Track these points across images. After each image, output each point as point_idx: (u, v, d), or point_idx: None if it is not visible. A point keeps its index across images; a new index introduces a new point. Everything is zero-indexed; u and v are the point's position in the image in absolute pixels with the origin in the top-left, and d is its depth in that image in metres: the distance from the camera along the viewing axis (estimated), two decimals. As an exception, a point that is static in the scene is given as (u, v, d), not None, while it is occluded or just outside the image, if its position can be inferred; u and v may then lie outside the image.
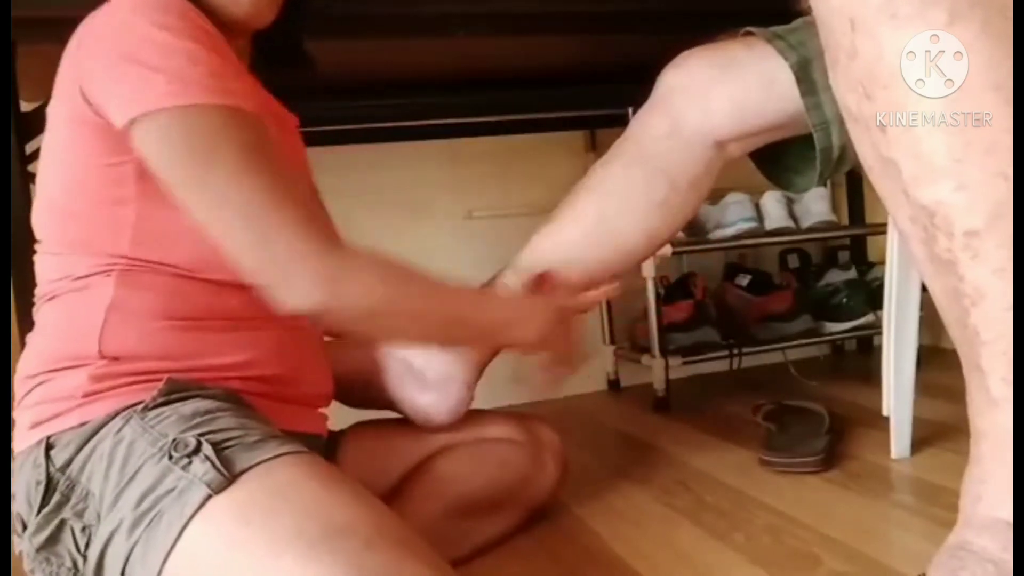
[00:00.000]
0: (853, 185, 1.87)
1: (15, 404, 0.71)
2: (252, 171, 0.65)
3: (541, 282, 0.88)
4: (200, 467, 0.60)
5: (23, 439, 0.68)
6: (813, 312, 1.65)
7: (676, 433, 1.39)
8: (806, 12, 0.73)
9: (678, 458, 1.23)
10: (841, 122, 0.76)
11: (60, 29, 0.74)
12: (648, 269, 1.50)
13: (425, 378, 0.92)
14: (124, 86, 0.64)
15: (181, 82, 0.63)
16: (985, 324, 0.54)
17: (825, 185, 1.82)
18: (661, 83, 0.90)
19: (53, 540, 0.63)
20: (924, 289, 0.67)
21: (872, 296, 1.62)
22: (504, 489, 0.94)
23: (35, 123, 1.05)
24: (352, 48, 1.23)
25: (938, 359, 1.42)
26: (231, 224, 0.64)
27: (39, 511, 0.64)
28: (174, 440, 0.62)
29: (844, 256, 1.86)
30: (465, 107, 1.54)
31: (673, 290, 1.67)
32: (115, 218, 0.69)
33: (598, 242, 0.89)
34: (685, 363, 1.56)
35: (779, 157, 0.93)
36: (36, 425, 0.67)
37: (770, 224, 1.64)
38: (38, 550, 0.63)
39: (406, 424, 0.96)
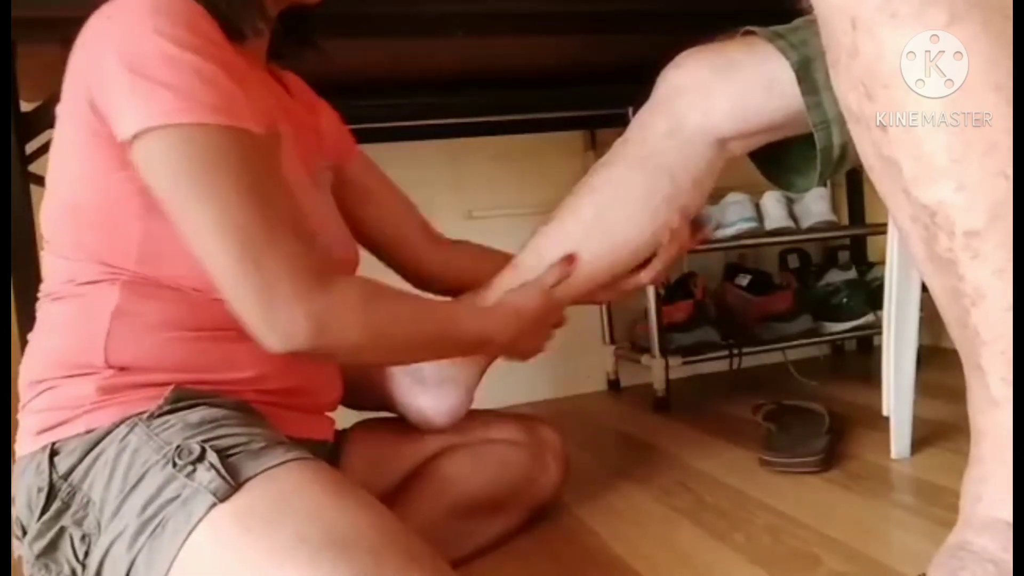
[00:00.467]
0: (853, 185, 1.87)
1: (20, 407, 0.70)
2: (250, 199, 0.63)
3: (569, 261, 0.88)
4: (205, 475, 0.59)
5: (28, 444, 0.67)
6: (813, 312, 1.65)
7: (676, 433, 1.39)
8: (806, 11, 0.73)
9: (678, 458, 1.23)
10: (842, 121, 0.76)
11: (60, 29, 0.74)
12: (648, 269, 1.50)
13: (425, 380, 0.92)
14: (130, 98, 0.62)
15: (188, 99, 0.62)
16: (985, 324, 0.54)
17: (825, 185, 1.82)
18: (662, 83, 0.90)
19: (52, 547, 0.63)
20: (924, 289, 0.67)
21: (872, 296, 1.62)
22: (506, 490, 0.94)
23: (35, 123, 1.05)
24: (352, 48, 1.23)
25: (938, 359, 1.42)
26: (221, 253, 0.63)
27: (40, 517, 0.63)
28: (178, 447, 0.61)
29: (844, 256, 1.86)
30: (465, 107, 1.54)
31: (673, 290, 1.67)
32: (122, 233, 0.68)
33: (601, 241, 0.89)
34: (685, 363, 1.56)
35: (779, 157, 0.93)
36: (42, 431, 0.66)
37: (770, 224, 1.64)
38: (37, 556, 0.63)
39: (408, 425, 0.97)
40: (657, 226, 0.89)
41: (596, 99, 1.57)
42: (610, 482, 1.14)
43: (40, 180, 1.13)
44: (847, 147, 0.81)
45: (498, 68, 1.41)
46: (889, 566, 0.79)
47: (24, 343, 0.74)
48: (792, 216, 1.67)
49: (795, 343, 1.66)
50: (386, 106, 1.48)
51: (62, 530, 0.63)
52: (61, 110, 0.70)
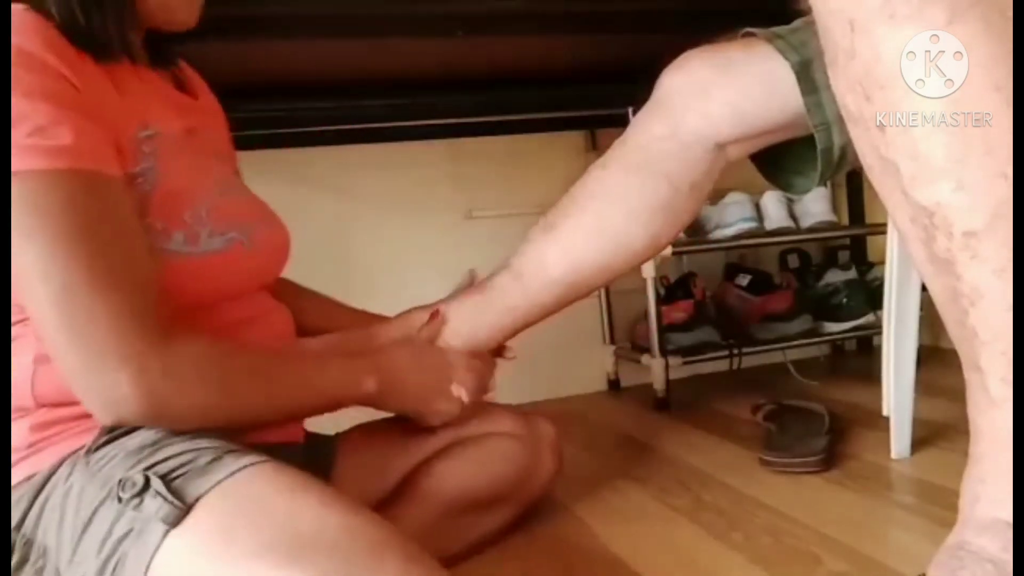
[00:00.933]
0: (853, 185, 1.87)
1: None
2: (78, 247, 0.59)
3: (435, 316, 0.89)
4: (152, 503, 0.56)
5: None
6: (813, 312, 1.65)
7: (676, 433, 1.39)
8: (805, 12, 0.73)
9: (678, 458, 1.23)
10: (842, 122, 0.76)
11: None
12: (648, 269, 1.50)
13: None
14: None
15: (22, 145, 0.58)
16: (984, 324, 0.54)
17: (825, 185, 1.82)
18: (661, 85, 0.90)
19: None
20: (924, 289, 0.67)
21: (872, 296, 1.63)
22: (503, 483, 0.94)
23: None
24: (352, 48, 1.24)
25: (938, 359, 1.42)
26: (45, 305, 0.59)
27: None
28: (120, 481, 0.58)
29: (844, 256, 1.86)
30: (465, 107, 1.55)
31: (673, 290, 1.67)
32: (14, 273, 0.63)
33: (600, 246, 0.89)
34: (685, 363, 1.56)
35: (780, 158, 0.93)
36: None
37: (770, 224, 1.65)
38: None
39: (405, 425, 0.96)
40: (653, 232, 0.89)
41: (596, 99, 1.57)
42: (610, 482, 1.14)
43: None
44: (847, 148, 0.81)
45: (498, 68, 1.41)
46: (889, 566, 0.80)
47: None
48: (792, 216, 1.67)
49: (795, 343, 1.66)
50: (386, 106, 1.48)
51: None
52: None
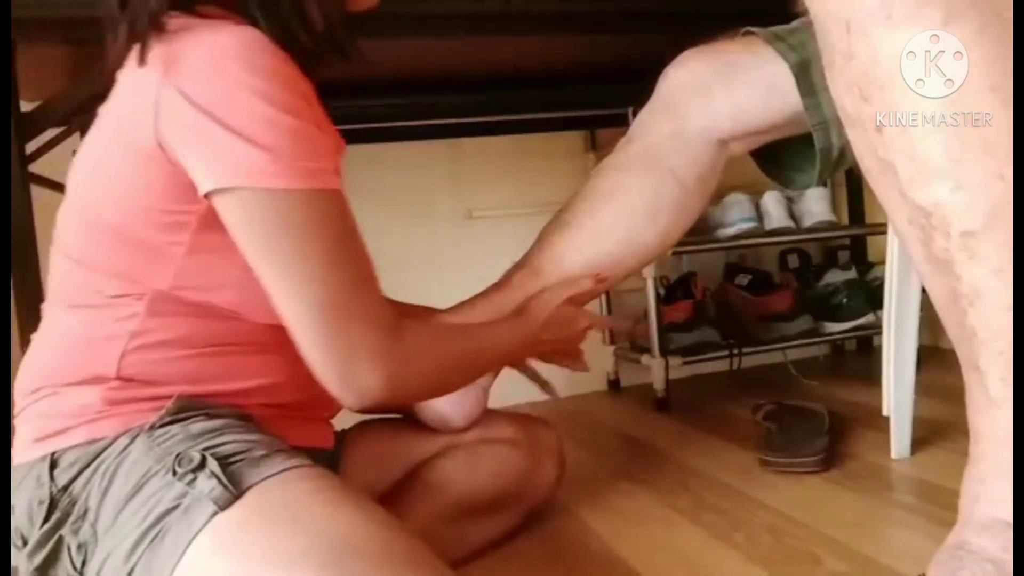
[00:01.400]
0: (853, 185, 1.87)
1: (16, 412, 0.69)
2: (334, 265, 0.65)
3: (600, 280, 0.92)
4: (206, 483, 0.58)
5: (26, 451, 0.66)
6: (813, 312, 1.65)
7: (676, 433, 1.39)
8: (803, 13, 0.73)
9: (678, 458, 1.23)
10: (840, 122, 0.76)
11: (60, 29, 0.74)
12: (648, 269, 1.50)
13: None
14: (221, 153, 0.61)
15: (281, 163, 0.62)
16: (983, 324, 0.54)
17: (825, 185, 1.82)
18: (663, 83, 0.90)
19: (51, 559, 0.62)
20: (924, 289, 0.67)
21: (872, 296, 1.62)
22: (503, 490, 0.94)
23: (35, 123, 1.05)
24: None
25: (938, 359, 1.42)
26: (304, 319, 0.65)
27: (40, 528, 0.62)
28: (178, 455, 0.61)
29: (844, 256, 1.86)
30: (465, 107, 1.54)
31: (673, 290, 1.67)
32: (161, 256, 0.67)
33: (613, 243, 0.91)
34: (685, 363, 1.56)
35: (779, 155, 0.93)
36: (41, 439, 0.66)
37: (770, 224, 1.64)
38: (36, 568, 0.62)
39: (406, 425, 0.96)
40: (664, 228, 0.90)
41: (596, 99, 1.57)
42: (610, 482, 1.14)
43: (40, 180, 1.13)
44: (846, 147, 0.81)
45: (498, 68, 1.41)
46: (888, 566, 0.80)
47: (24, 341, 0.73)
48: (792, 216, 1.67)
49: (795, 343, 1.65)
50: (386, 106, 1.48)
51: (60, 540, 0.62)
52: (110, 129, 0.68)
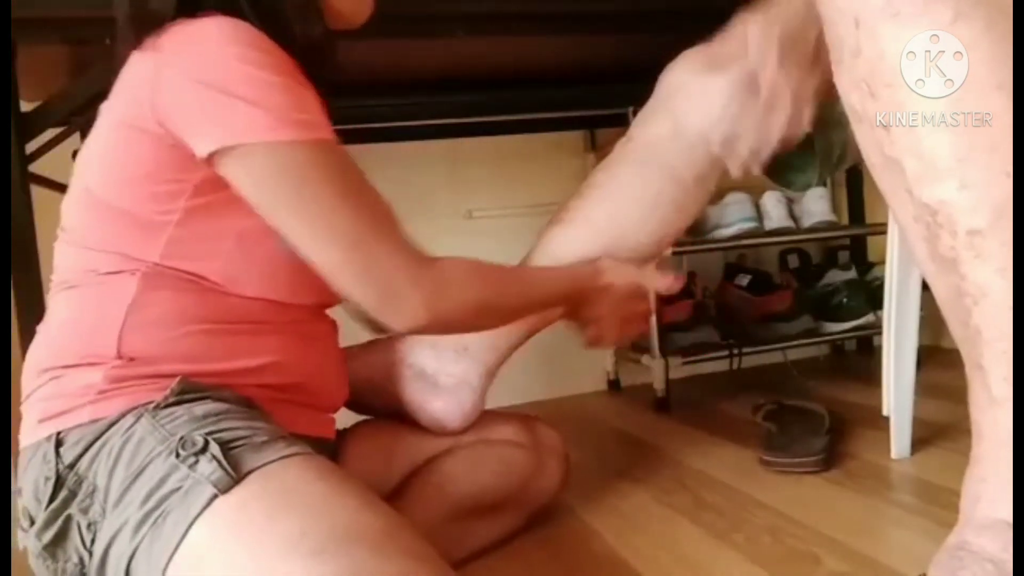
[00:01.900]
0: (853, 185, 1.87)
1: (24, 397, 0.70)
2: (351, 204, 0.69)
3: (677, 282, 0.92)
4: (207, 466, 0.59)
5: (31, 433, 0.67)
6: (813, 312, 1.65)
7: (676, 433, 1.39)
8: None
9: (678, 458, 1.23)
10: (841, 121, 0.76)
11: (60, 29, 0.74)
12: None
13: (438, 384, 0.92)
14: (222, 117, 0.65)
15: (278, 118, 0.65)
16: (987, 323, 0.54)
17: (825, 185, 1.82)
18: (662, 83, 0.90)
19: (61, 536, 0.63)
20: (924, 289, 0.67)
21: (872, 296, 1.62)
22: (506, 491, 0.94)
23: (35, 123, 1.05)
24: (352, 48, 1.23)
25: (938, 359, 1.42)
26: (336, 259, 0.69)
27: (47, 506, 0.63)
28: (182, 438, 0.62)
29: (844, 256, 1.86)
30: (465, 107, 1.55)
31: (673, 290, 1.67)
32: (153, 227, 0.69)
33: (608, 239, 0.90)
34: (685, 363, 1.56)
35: (779, 156, 0.93)
36: (45, 419, 0.67)
37: (770, 224, 1.64)
38: (45, 546, 0.63)
39: (408, 425, 0.96)
40: (663, 230, 0.90)
41: (596, 99, 1.57)
42: (610, 482, 1.14)
43: (40, 180, 1.13)
44: (846, 147, 0.81)
45: (498, 68, 1.41)
46: (889, 566, 0.80)
47: (24, 340, 0.74)
48: (792, 216, 1.67)
49: (795, 343, 1.66)
50: (386, 106, 1.48)
51: (69, 518, 0.63)
52: (111, 114, 0.71)
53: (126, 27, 0.73)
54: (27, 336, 0.74)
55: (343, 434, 0.93)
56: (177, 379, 0.67)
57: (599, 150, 1.76)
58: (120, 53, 0.72)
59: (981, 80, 0.51)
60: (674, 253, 1.52)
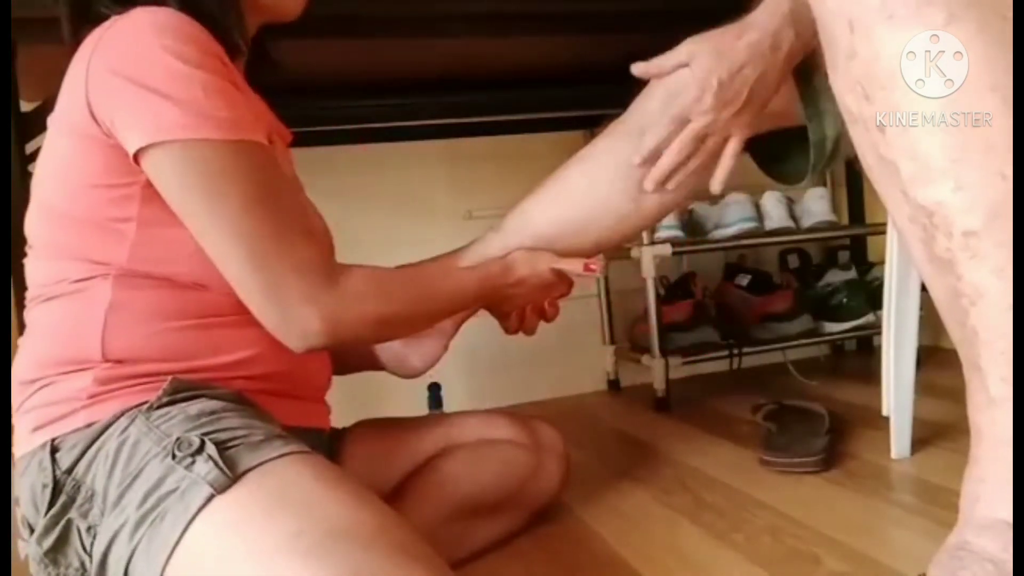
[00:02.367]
0: (853, 185, 1.87)
1: (13, 409, 0.70)
2: (258, 209, 0.66)
3: (590, 267, 0.88)
4: (203, 467, 0.60)
5: (25, 443, 0.67)
6: (813, 312, 1.65)
7: (676, 433, 1.39)
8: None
9: (678, 458, 1.23)
10: (835, 114, 0.76)
11: (60, 29, 0.74)
12: (648, 269, 1.50)
13: None
14: (139, 113, 0.64)
15: (196, 115, 0.64)
16: (984, 324, 0.54)
17: (825, 184, 1.82)
18: None
19: (62, 541, 0.63)
20: (924, 289, 0.67)
21: (872, 296, 1.62)
22: (506, 490, 0.94)
23: (35, 123, 1.05)
24: (353, 48, 1.23)
25: (938, 359, 1.42)
26: (236, 263, 0.67)
27: (46, 513, 0.64)
28: (178, 439, 0.62)
29: (844, 256, 1.86)
30: (465, 107, 1.54)
31: (673, 290, 1.67)
32: (114, 233, 0.69)
33: (583, 202, 0.89)
34: (685, 363, 1.56)
35: (774, 150, 0.93)
36: (39, 428, 0.67)
37: (770, 224, 1.65)
38: (46, 552, 0.63)
39: (409, 424, 0.97)
40: (640, 196, 0.89)
41: (596, 99, 1.57)
42: (610, 482, 1.14)
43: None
44: (840, 140, 0.81)
45: (498, 68, 1.41)
46: (889, 566, 0.80)
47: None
48: (792, 216, 1.67)
49: (795, 343, 1.66)
50: (386, 106, 1.48)
51: (69, 523, 0.63)
52: (56, 120, 0.70)
53: (65, 25, 0.73)
54: (18, 343, 0.74)
55: (343, 434, 0.93)
56: (169, 379, 0.67)
57: (599, 150, 1.75)
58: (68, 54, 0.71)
59: (975, 81, 0.51)
60: (674, 253, 1.52)
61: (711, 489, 1.07)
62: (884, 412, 1.11)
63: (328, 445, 0.88)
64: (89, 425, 0.65)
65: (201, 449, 0.61)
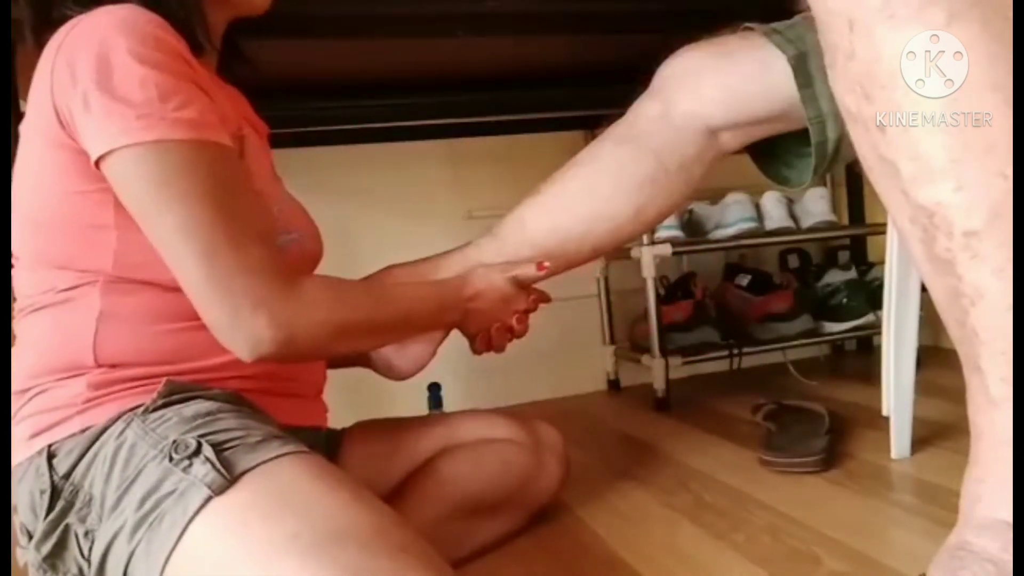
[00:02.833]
0: (853, 185, 1.87)
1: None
2: (212, 211, 0.64)
3: (541, 267, 0.88)
4: (201, 468, 0.60)
5: (22, 450, 0.67)
6: (813, 312, 1.65)
7: (676, 433, 1.39)
8: (804, 10, 0.73)
9: (678, 458, 1.23)
10: (836, 116, 0.76)
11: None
12: (648, 269, 1.50)
13: None
14: (97, 118, 0.63)
15: (150, 117, 0.62)
16: (984, 324, 0.54)
17: (825, 185, 1.82)
18: (659, 72, 0.90)
19: (60, 547, 0.63)
20: (924, 289, 0.67)
21: (872, 296, 1.63)
22: (506, 490, 0.94)
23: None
24: (353, 48, 1.23)
25: (938, 359, 1.42)
26: (188, 265, 0.64)
27: (45, 518, 0.63)
28: (175, 442, 0.62)
29: (844, 256, 1.86)
30: (465, 107, 1.54)
31: (673, 290, 1.67)
32: (96, 241, 0.68)
33: (581, 211, 0.90)
34: (685, 363, 1.56)
35: (775, 152, 0.93)
36: (36, 435, 0.67)
37: (770, 224, 1.65)
38: (44, 558, 0.63)
39: (408, 424, 0.97)
40: (637, 206, 0.89)
41: (596, 99, 1.57)
42: (610, 482, 1.14)
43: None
44: (841, 142, 0.81)
45: (498, 68, 1.41)
46: (889, 566, 0.80)
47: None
48: (792, 216, 1.67)
49: (795, 343, 1.65)
50: (386, 106, 1.48)
51: (67, 528, 0.63)
52: (27, 126, 0.70)
53: (28, 29, 0.72)
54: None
55: (343, 434, 0.93)
56: (163, 381, 0.67)
57: (599, 150, 1.75)
58: (28, 58, 0.70)
59: (976, 81, 0.51)
60: (674, 253, 1.52)
61: (711, 489, 1.07)
62: (884, 412, 1.11)
63: (326, 444, 0.88)
64: (85, 430, 0.65)
65: (198, 451, 0.61)
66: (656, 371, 1.54)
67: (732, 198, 1.64)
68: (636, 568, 0.86)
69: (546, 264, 0.88)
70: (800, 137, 0.85)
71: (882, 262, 1.15)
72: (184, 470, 0.60)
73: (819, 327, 1.66)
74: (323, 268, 1.13)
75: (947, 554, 0.57)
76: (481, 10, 1.13)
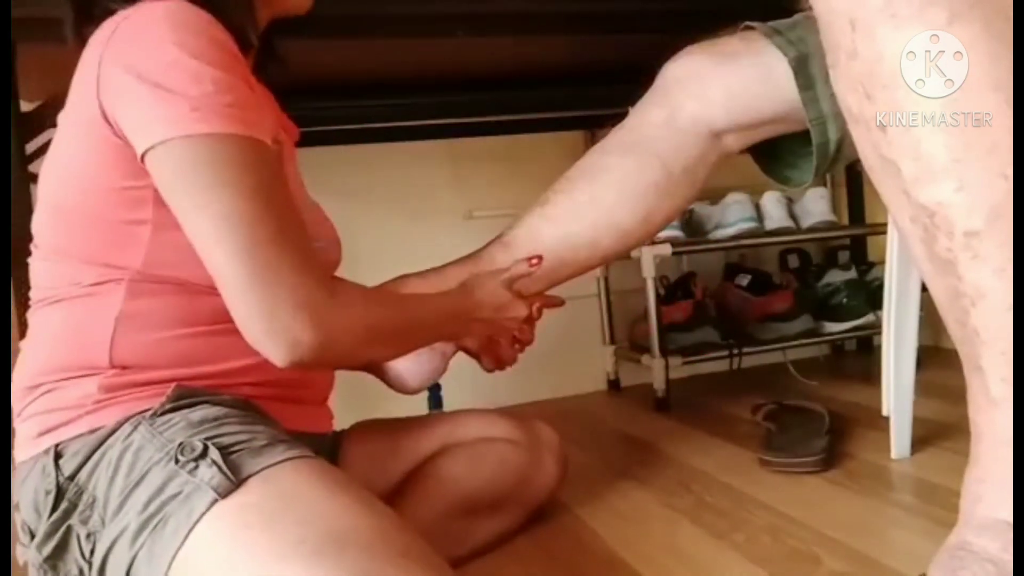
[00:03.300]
0: (853, 185, 1.87)
1: (15, 414, 0.70)
2: (256, 208, 0.63)
3: (532, 260, 0.89)
4: (207, 471, 0.59)
5: (28, 447, 0.67)
6: (813, 312, 1.65)
7: (676, 433, 1.39)
8: (805, 9, 0.73)
9: (678, 458, 1.23)
10: (838, 117, 0.76)
11: (60, 29, 0.74)
12: (648, 269, 1.50)
13: None
14: (147, 111, 0.62)
15: (202, 109, 0.62)
16: (985, 324, 0.54)
17: (825, 185, 1.82)
18: (661, 75, 0.90)
19: (61, 548, 0.63)
20: (924, 289, 0.67)
21: (872, 296, 1.63)
22: (504, 489, 0.94)
23: (35, 123, 1.05)
24: (353, 48, 1.24)
25: (938, 359, 1.42)
26: (227, 263, 0.62)
27: (48, 518, 0.63)
28: (181, 444, 0.62)
29: (844, 256, 1.86)
30: (465, 107, 1.55)
31: (673, 290, 1.67)
32: (129, 236, 0.68)
33: (590, 220, 0.90)
34: (685, 363, 1.56)
35: (776, 152, 0.93)
36: (43, 433, 0.66)
37: (770, 224, 1.64)
38: (45, 559, 0.63)
39: (407, 424, 0.97)
40: (644, 212, 0.90)
41: (596, 99, 1.57)
42: (610, 482, 1.14)
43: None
44: (843, 143, 0.81)
45: (498, 68, 1.41)
46: (889, 566, 0.80)
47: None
48: (792, 216, 1.67)
49: (795, 343, 1.65)
50: (386, 106, 1.48)
51: (69, 529, 0.63)
52: (67, 119, 0.69)
53: (68, 24, 0.72)
54: (19, 346, 0.73)
55: (343, 435, 0.93)
56: (172, 386, 0.67)
57: (599, 150, 1.75)
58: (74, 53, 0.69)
59: (978, 81, 0.51)
60: (674, 253, 1.52)
61: (711, 489, 1.07)
62: (884, 412, 1.11)
63: (330, 446, 0.88)
64: (92, 431, 0.65)
65: (204, 454, 0.60)
66: (656, 371, 1.54)
67: (732, 198, 1.64)
68: (636, 568, 0.86)
69: (534, 260, 0.89)
70: (802, 137, 0.85)
71: (882, 262, 1.15)
72: (190, 472, 0.60)
73: (819, 327, 1.66)
74: (323, 268, 1.13)
75: (947, 554, 0.57)
76: (481, 10, 1.13)
